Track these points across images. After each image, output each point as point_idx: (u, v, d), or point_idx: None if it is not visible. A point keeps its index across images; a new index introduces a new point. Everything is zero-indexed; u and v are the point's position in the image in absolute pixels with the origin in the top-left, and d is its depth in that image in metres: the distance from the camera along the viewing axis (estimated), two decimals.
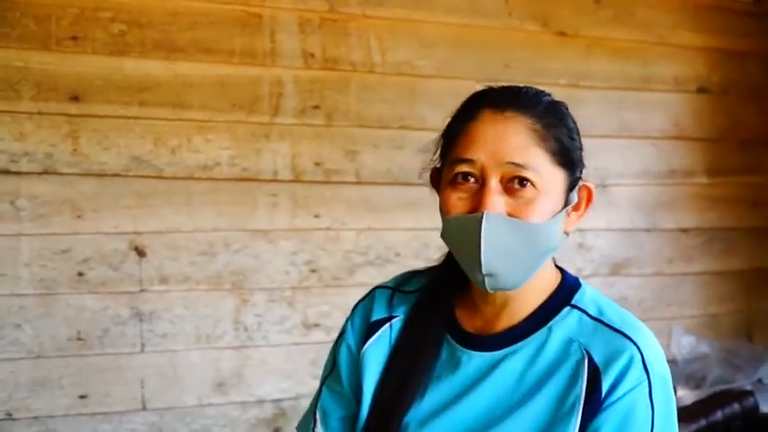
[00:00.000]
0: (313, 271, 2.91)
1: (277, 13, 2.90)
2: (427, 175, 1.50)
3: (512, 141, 1.35)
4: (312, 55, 2.94)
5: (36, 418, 2.59)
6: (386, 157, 3.02)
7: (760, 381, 3.21)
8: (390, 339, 1.51)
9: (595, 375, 1.34)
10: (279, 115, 2.89)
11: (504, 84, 1.46)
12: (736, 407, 2.94)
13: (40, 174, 2.61)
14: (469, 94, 1.45)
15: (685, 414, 2.93)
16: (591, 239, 3.32)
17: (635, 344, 1.35)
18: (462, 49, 3.15)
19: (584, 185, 1.44)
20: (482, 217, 1.32)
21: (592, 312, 1.42)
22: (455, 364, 1.44)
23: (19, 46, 2.61)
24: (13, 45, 2.60)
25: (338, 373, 1.54)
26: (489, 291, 1.37)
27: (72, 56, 2.66)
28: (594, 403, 1.33)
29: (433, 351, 1.46)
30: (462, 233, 1.35)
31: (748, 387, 3.11)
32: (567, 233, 1.43)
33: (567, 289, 1.46)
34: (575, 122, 1.44)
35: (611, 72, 3.41)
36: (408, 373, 1.45)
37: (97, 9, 2.69)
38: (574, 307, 1.43)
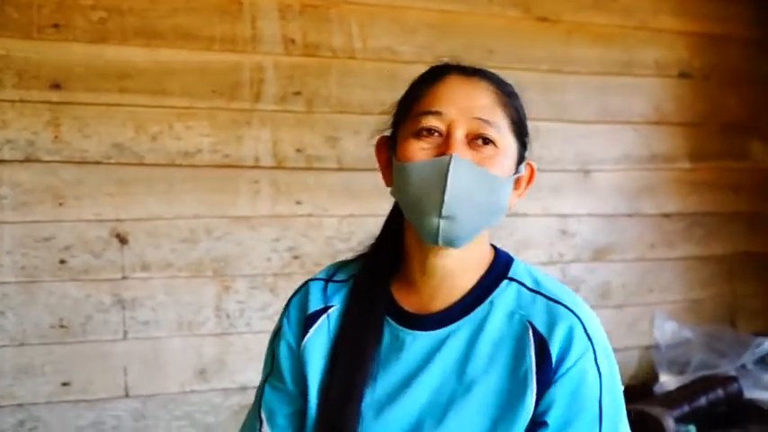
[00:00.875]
0: (295, 257, 2.91)
1: None
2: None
3: (480, 99, 1.42)
4: (293, 41, 2.94)
5: (20, 405, 2.59)
6: (367, 143, 2.99)
7: (744, 366, 3.22)
8: (330, 329, 1.50)
9: (542, 344, 1.37)
10: (260, 102, 2.88)
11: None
12: (720, 392, 2.95)
13: (21, 161, 2.61)
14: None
15: (669, 399, 2.94)
16: (573, 225, 3.28)
17: (573, 313, 1.40)
18: (443, 35, 3.14)
19: (528, 163, 1.50)
20: (451, 158, 1.35)
21: (528, 284, 1.45)
22: (399, 345, 1.45)
23: (1, 34, 2.61)
24: None
25: (279, 371, 1.53)
26: (440, 243, 1.38)
27: (53, 43, 2.66)
28: (547, 371, 1.36)
29: (375, 336, 1.46)
30: (426, 175, 1.38)
31: (732, 372, 3.12)
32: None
33: (501, 263, 1.49)
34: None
35: (593, 57, 3.41)
36: (354, 361, 1.44)
37: None
38: (512, 280, 1.46)
